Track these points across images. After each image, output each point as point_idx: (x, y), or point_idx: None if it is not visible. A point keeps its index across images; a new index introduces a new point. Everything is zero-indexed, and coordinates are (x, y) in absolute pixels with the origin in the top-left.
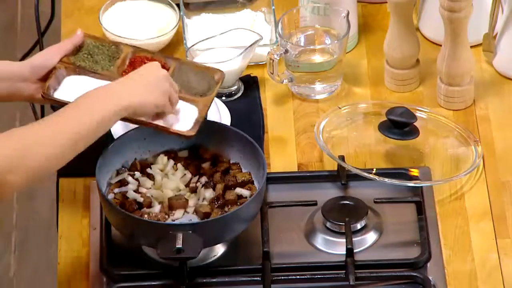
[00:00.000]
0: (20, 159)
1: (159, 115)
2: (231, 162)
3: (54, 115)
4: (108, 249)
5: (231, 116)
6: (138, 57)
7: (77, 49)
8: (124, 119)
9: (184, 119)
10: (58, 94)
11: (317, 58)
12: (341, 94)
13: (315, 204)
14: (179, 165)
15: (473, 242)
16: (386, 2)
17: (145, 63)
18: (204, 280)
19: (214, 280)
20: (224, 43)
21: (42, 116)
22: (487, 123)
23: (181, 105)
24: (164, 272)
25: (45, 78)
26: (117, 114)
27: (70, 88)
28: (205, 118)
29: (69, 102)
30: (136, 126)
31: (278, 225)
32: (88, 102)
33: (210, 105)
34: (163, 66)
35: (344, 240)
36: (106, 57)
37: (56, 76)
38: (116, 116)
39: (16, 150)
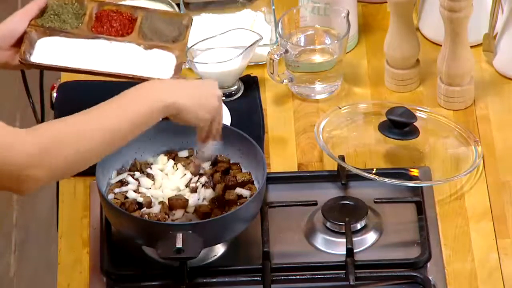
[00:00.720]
0: (44, 156)
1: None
2: (231, 162)
3: (86, 111)
4: (108, 249)
5: (231, 116)
6: (104, 11)
7: (42, 12)
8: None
9: (163, 67)
10: (34, 58)
11: (317, 58)
12: (341, 94)
13: (315, 204)
14: (179, 165)
15: (473, 242)
16: (386, 2)
17: (111, 16)
18: (204, 280)
19: (214, 280)
20: (224, 43)
21: (42, 115)
22: (487, 123)
23: (158, 53)
24: (164, 272)
25: (16, 44)
26: (159, 111)
27: (44, 50)
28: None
29: (48, 64)
30: None
31: (278, 225)
32: (124, 99)
33: (185, 50)
34: (129, 17)
35: (344, 240)
36: (73, 15)
37: (28, 40)
38: (158, 113)
39: (41, 146)
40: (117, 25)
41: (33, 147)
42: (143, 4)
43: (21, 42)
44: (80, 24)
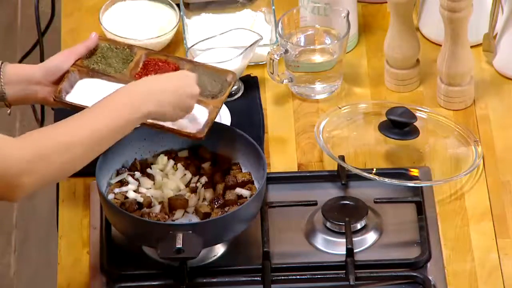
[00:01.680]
0: (35, 163)
1: None
2: (231, 162)
3: (71, 119)
4: (108, 249)
5: (231, 116)
6: (152, 60)
7: (91, 52)
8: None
9: (194, 121)
10: (70, 97)
11: (317, 58)
12: (341, 94)
13: (315, 204)
14: (179, 165)
15: (473, 242)
16: (386, 2)
17: (158, 66)
18: (204, 280)
19: (214, 280)
20: (224, 43)
21: (42, 116)
22: (487, 123)
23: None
24: (164, 272)
25: (58, 81)
26: (137, 120)
27: (82, 91)
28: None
29: (81, 105)
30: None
31: (278, 225)
32: (107, 107)
33: (220, 107)
34: (176, 68)
35: (344, 240)
36: (120, 60)
37: (69, 79)
38: (135, 122)
39: (32, 153)
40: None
41: (23, 156)
42: (143, 5)
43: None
44: (125, 70)
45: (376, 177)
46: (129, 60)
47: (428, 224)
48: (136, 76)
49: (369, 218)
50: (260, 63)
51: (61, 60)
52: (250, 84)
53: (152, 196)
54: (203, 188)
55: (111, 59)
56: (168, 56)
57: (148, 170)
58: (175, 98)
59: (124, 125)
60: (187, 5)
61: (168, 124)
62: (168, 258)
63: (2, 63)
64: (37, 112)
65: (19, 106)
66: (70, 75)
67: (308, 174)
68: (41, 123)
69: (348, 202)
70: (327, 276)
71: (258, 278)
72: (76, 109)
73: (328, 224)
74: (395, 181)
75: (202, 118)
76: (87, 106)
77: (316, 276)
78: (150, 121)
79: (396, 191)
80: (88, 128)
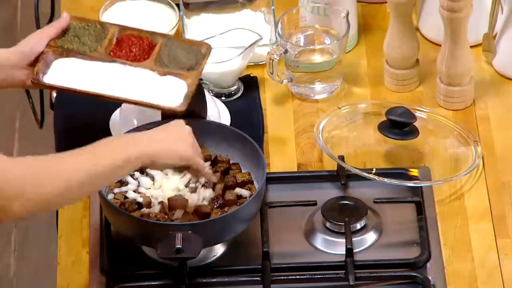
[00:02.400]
0: (26, 188)
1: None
2: (231, 162)
3: (70, 153)
4: (108, 249)
5: (231, 116)
6: (125, 36)
7: (64, 32)
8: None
9: (173, 94)
10: (48, 78)
11: (317, 58)
12: (341, 94)
13: (314, 204)
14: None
15: (473, 242)
16: (386, 2)
17: (132, 41)
18: (204, 280)
19: (214, 280)
20: (224, 43)
21: (42, 116)
22: (487, 123)
23: (171, 80)
24: (164, 272)
25: (34, 63)
26: (134, 161)
27: (59, 71)
28: (195, 91)
29: (59, 86)
30: (134, 126)
31: (278, 225)
32: (106, 146)
33: (198, 79)
34: (150, 43)
35: (344, 240)
36: (93, 38)
37: (44, 60)
38: (132, 163)
39: (24, 178)
40: (136, 50)
41: (15, 179)
42: (143, 5)
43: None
44: (99, 47)
45: (376, 177)
46: (102, 37)
47: (427, 224)
48: (111, 53)
49: (369, 218)
50: (260, 63)
51: (34, 42)
52: (250, 84)
53: (151, 196)
54: (202, 188)
55: (84, 37)
56: (141, 31)
57: (148, 170)
58: (166, 135)
59: (122, 165)
60: (187, 5)
61: (148, 100)
62: (168, 258)
63: None
64: (37, 112)
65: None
66: (45, 56)
67: (307, 174)
68: (41, 123)
69: (347, 202)
70: (326, 276)
71: (258, 278)
72: (55, 89)
73: (327, 224)
74: (394, 181)
75: (181, 91)
76: (65, 87)
77: (315, 276)
78: (126, 97)
79: (395, 191)
80: (85, 164)
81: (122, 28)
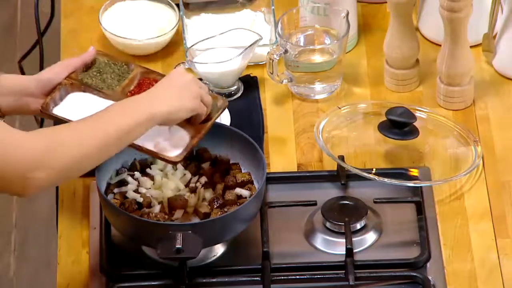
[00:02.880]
0: (46, 157)
1: (196, 118)
2: (231, 162)
3: (82, 119)
4: (108, 249)
5: (231, 116)
6: (146, 79)
7: (88, 66)
8: None
9: (174, 143)
10: (58, 110)
11: (317, 58)
12: (341, 94)
13: (314, 204)
14: (178, 165)
15: (473, 242)
16: (386, 2)
17: (152, 85)
18: (204, 280)
19: (214, 280)
20: (224, 43)
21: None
22: (487, 123)
23: (174, 130)
24: (164, 272)
25: (50, 92)
26: (147, 121)
27: (71, 104)
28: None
29: (66, 118)
30: None
31: (278, 225)
32: (117, 109)
33: (205, 132)
34: None
35: (344, 240)
36: (115, 76)
37: (59, 91)
38: (145, 124)
39: (44, 146)
40: None
41: (35, 149)
42: (143, 5)
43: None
44: (117, 87)
45: (376, 177)
46: (124, 77)
47: (427, 224)
48: (129, 94)
49: (369, 218)
50: (260, 63)
51: (55, 72)
52: (250, 84)
53: (151, 196)
54: (202, 188)
55: (107, 75)
56: (163, 76)
57: (148, 170)
58: (176, 89)
59: (134, 127)
60: (186, 5)
61: (147, 146)
62: (168, 258)
63: None
64: None
65: None
66: (61, 88)
67: (307, 174)
68: (41, 124)
69: (347, 202)
70: (326, 276)
71: (258, 278)
72: (60, 122)
73: (327, 224)
74: (394, 181)
75: (182, 141)
76: (71, 120)
77: (315, 276)
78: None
79: (395, 191)
80: (100, 129)
81: (146, 71)
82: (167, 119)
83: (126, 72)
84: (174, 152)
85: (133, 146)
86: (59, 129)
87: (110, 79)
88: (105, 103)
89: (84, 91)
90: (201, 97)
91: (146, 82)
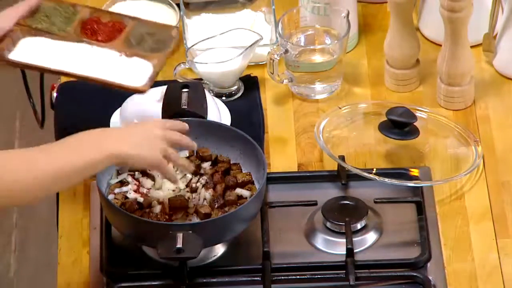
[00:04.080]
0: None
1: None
2: (231, 162)
3: (41, 149)
4: (108, 249)
5: (231, 116)
6: (90, 19)
7: (34, 12)
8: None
9: (139, 75)
10: (13, 55)
11: (317, 58)
12: (341, 94)
13: (315, 204)
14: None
15: (473, 242)
16: (386, 2)
17: (95, 25)
18: (204, 280)
19: (214, 280)
20: (224, 43)
21: (43, 115)
22: (487, 123)
23: (136, 62)
24: (164, 272)
25: (1, 40)
26: (105, 160)
27: (25, 49)
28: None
29: (22, 62)
30: None
31: (278, 225)
32: (77, 142)
33: (165, 61)
34: (119, 25)
35: (344, 240)
36: (64, 19)
37: (11, 38)
38: (103, 163)
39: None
40: (106, 31)
41: None
42: (143, 5)
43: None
44: (68, 28)
45: (376, 177)
46: (72, 19)
47: (428, 224)
48: (80, 34)
49: (369, 218)
50: (260, 63)
51: (2, 20)
52: (250, 84)
53: (152, 196)
54: (203, 188)
55: (55, 18)
56: (112, 14)
57: (148, 171)
58: (138, 139)
59: (91, 163)
60: (187, 5)
61: (113, 79)
62: (168, 258)
63: None
64: (38, 112)
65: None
66: (12, 34)
67: (308, 174)
68: (42, 123)
69: (348, 202)
70: (327, 276)
71: (258, 278)
72: (18, 67)
73: (328, 224)
74: (395, 181)
75: (146, 71)
76: (29, 63)
77: (316, 276)
78: (91, 76)
79: (396, 191)
80: (54, 164)
81: (93, 10)
82: (125, 162)
83: (72, 14)
84: (139, 82)
85: (94, 80)
86: (17, 153)
87: (59, 22)
88: (58, 44)
89: (35, 35)
90: (165, 153)
91: (90, 21)
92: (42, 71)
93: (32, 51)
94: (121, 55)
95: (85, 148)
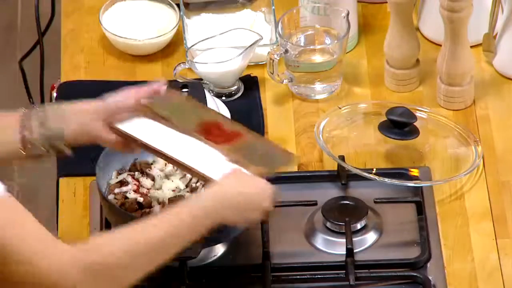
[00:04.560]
0: (92, 277)
1: None
2: None
3: (139, 229)
4: None
5: (231, 116)
6: (212, 123)
7: (160, 98)
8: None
9: (213, 163)
10: (125, 127)
11: (317, 58)
12: (341, 94)
13: (315, 204)
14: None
15: (473, 242)
16: (386, 2)
17: (216, 129)
18: (204, 280)
19: (214, 280)
20: (224, 43)
21: None
22: (487, 123)
23: (232, 165)
24: (164, 272)
25: (111, 118)
26: (203, 231)
27: (138, 125)
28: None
29: (129, 134)
30: None
31: (278, 225)
32: (185, 232)
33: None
34: (238, 135)
35: (344, 240)
36: (187, 115)
37: (128, 113)
38: (202, 232)
39: (90, 273)
40: (222, 136)
41: (81, 274)
42: (143, 5)
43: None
44: (188, 123)
45: (376, 177)
46: (196, 118)
47: (428, 224)
48: (196, 130)
49: (369, 218)
50: (260, 63)
51: (124, 97)
52: (250, 84)
53: (152, 196)
54: (203, 188)
55: (179, 112)
56: (233, 124)
57: (148, 171)
58: (242, 208)
59: (191, 232)
60: (187, 5)
61: (187, 163)
62: None
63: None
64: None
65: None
66: (132, 111)
67: (308, 174)
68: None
69: (348, 202)
70: (327, 276)
71: (258, 278)
72: (121, 135)
73: (328, 224)
74: (395, 181)
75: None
76: (135, 137)
77: (316, 276)
78: (169, 154)
79: (396, 191)
80: (159, 258)
81: (220, 117)
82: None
83: (198, 114)
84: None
85: (180, 164)
86: (111, 240)
87: (181, 116)
88: (171, 131)
89: (152, 118)
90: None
91: (215, 124)
92: (144, 147)
93: (144, 128)
94: (227, 159)
95: (196, 229)
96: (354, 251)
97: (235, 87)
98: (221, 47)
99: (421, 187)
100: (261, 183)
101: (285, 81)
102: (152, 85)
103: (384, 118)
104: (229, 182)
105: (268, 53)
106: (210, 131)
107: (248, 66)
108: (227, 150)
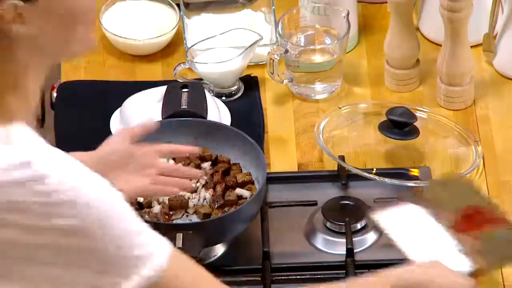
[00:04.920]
0: None
1: None
2: (231, 162)
3: None
4: None
5: (231, 116)
6: (475, 207)
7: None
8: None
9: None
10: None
11: (317, 58)
12: (341, 94)
13: (315, 204)
14: (179, 165)
15: None
16: (386, 2)
17: (482, 217)
18: None
19: None
20: (224, 43)
21: (43, 116)
22: (487, 123)
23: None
24: None
25: (112, 162)
26: None
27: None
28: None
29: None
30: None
31: (278, 225)
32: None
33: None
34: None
35: (344, 240)
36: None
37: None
38: None
39: None
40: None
41: None
42: (143, 5)
43: (122, 163)
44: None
45: (376, 177)
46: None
47: None
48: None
49: (369, 218)
50: (260, 63)
51: (117, 143)
52: (250, 84)
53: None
54: (203, 188)
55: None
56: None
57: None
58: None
59: None
60: (187, 5)
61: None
62: None
63: None
64: (38, 110)
65: None
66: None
67: (308, 174)
68: (42, 123)
69: (348, 202)
70: (327, 276)
71: (258, 278)
72: None
73: (328, 224)
74: (395, 181)
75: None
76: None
77: (316, 276)
78: None
79: (396, 191)
80: None
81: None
82: None
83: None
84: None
85: None
86: None
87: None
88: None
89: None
90: None
91: (477, 213)
92: None
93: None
94: (459, 246)
95: None
96: (354, 251)
97: (235, 87)
98: (221, 47)
99: (421, 187)
100: (459, 278)
101: (285, 81)
102: (144, 124)
103: (384, 118)
104: (429, 270)
105: (268, 53)
106: (470, 216)
107: (248, 66)
108: (471, 241)
